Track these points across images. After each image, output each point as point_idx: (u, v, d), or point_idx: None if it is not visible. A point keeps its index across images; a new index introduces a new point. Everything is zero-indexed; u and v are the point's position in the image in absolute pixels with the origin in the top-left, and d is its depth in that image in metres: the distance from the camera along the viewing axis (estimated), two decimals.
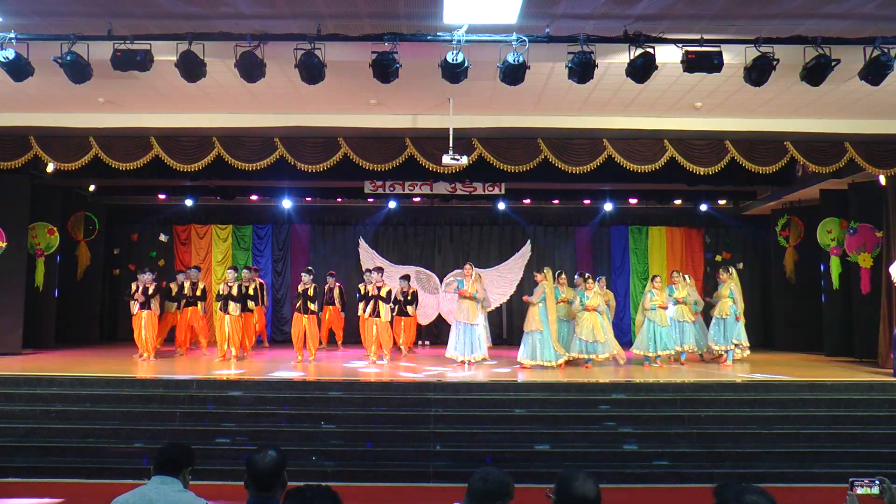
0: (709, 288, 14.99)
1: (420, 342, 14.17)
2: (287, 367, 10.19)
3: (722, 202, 14.80)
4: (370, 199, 14.25)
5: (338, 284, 13.01)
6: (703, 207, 14.70)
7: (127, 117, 9.58)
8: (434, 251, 15.08)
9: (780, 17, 6.47)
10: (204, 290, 12.06)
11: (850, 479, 2.97)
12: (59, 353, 11.46)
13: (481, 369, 10.20)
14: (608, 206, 14.63)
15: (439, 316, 14.46)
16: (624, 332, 13.89)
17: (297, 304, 11.26)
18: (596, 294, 10.63)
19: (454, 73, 6.71)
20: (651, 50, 6.66)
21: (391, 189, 12.46)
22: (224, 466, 6.95)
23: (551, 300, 10.35)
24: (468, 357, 10.47)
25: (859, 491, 2.95)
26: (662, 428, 7.92)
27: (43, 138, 9.86)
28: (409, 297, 12.28)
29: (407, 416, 8.03)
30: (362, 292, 11.56)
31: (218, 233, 15.04)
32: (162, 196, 14.39)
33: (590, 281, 10.77)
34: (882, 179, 10.58)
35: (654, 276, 11.37)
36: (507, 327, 14.76)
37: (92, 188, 13.68)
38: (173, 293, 11.81)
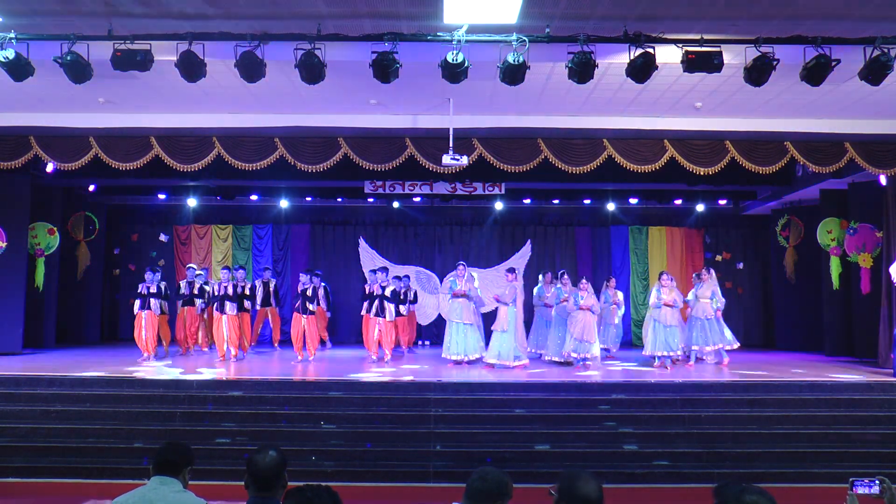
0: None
1: (420, 342, 14.18)
2: (287, 368, 10.20)
3: (722, 202, 14.80)
4: (370, 199, 14.25)
5: (322, 284, 12.96)
6: (703, 207, 14.69)
7: (127, 117, 9.58)
8: (434, 251, 15.08)
9: (780, 17, 6.46)
10: (201, 289, 12.08)
11: (850, 479, 2.98)
12: (59, 353, 11.46)
13: (477, 369, 10.20)
14: (608, 206, 14.63)
15: (439, 316, 14.45)
16: (624, 331, 13.87)
17: (297, 305, 11.27)
18: (590, 295, 10.64)
19: (454, 73, 6.71)
20: (651, 50, 6.66)
21: (391, 189, 12.46)
22: (224, 466, 6.96)
23: (520, 302, 10.47)
24: (463, 356, 10.48)
25: (859, 491, 2.95)
26: (662, 428, 7.93)
27: (43, 138, 9.86)
28: (402, 297, 12.20)
29: (407, 416, 8.04)
30: (366, 292, 11.57)
31: (218, 233, 15.04)
32: (162, 196, 14.38)
33: (583, 281, 10.86)
34: (882, 179, 10.59)
35: (663, 273, 11.11)
36: None
37: (92, 188, 13.68)
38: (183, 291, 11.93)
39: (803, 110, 9.20)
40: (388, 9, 6.35)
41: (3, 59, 6.57)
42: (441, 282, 14.56)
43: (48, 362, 10.29)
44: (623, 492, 6.86)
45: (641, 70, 6.76)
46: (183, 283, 11.86)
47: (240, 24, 6.62)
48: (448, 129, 9.07)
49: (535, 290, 12.41)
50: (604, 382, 9.01)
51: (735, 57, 6.87)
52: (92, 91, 8.02)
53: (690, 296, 11.28)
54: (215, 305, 11.10)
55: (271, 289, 12.61)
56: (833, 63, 6.64)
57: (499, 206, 14.43)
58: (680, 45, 6.66)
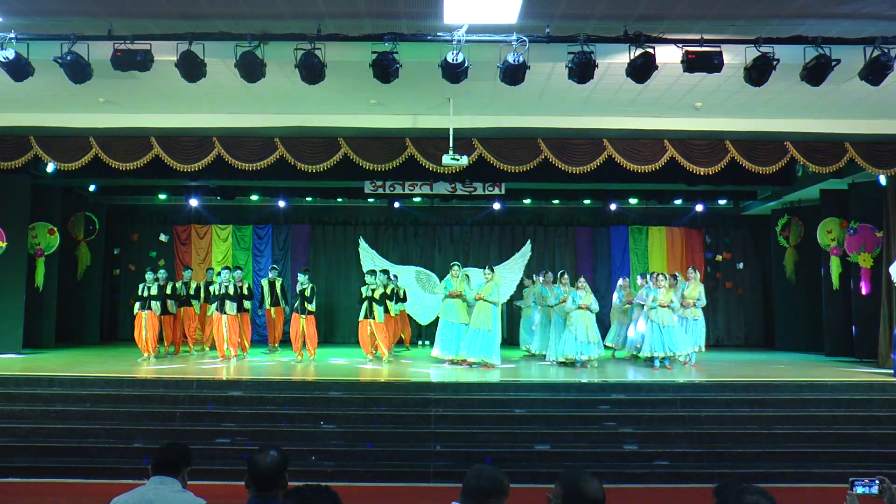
0: (710, 288, 15.05)
1: (420, 342, 14.18)
2: (287, 368, 10.19)
3: (722, 202, 14.81)
4: (370, 199, 14.25)
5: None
6: (703, 207, 14.68)
7: (127, 117, 9.58)
8: (434, 251, 15.08)
9: (780, 17, 6.47)
10: (197, 289, 12.08)
11: (850, 479, 2.97)
12: (59, 353, 11.46)
13: (477, 369, 10.20)
14: (608, 206, 14.62)
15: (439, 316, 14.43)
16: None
17: (295, 305, 11.27)
18: (588, 293, 10.61)
19: (454, 73, 6.71)
20: (651, 50, 6.66)
21: (391, 189, 12.45)
22: (224, 466, 6.95)
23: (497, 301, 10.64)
24: (454, 356, 10.49)
25: (859, 491, 2.94)
26: (662, 428, 7.92)
27: (43, 138, 9.86)
28: (388, 294, 12.14)
29: (407, 416, 8.03)
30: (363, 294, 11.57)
31: (218, 233, 15.04)
32: (162, 196, 14.40)
33: (581, 280, 10.80)
34: (882, 179, 10.59)
35: (658, 274, 10.91)
36: (507, 327, 14.74)
37: (92, 188, 13.68)
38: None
39: (803, 110, 9.20)
40: (388, 9, 6.35)
41: (3, 59, 6.58)
42: (441, 282, 14.56)
43: (48, 362, 10.29)
44: (623, 492, 6.85)
45: (641, 70, 6.77)
46: (179, 284, 11.84)
47: (240, 24, 6.63)
48: (448, 129, 9.08)
49: (536, 290, 12.39)
50: (604, 382, 9.01)
51: (735, 57, 6.87)
52: (92, 91, 8.02)
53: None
54: (215, 305, 11.11)
55: (278, 288, 12.56)
56: (833, 63, 6.64)
57: (498, 206, 14.43)
58: (680, 45, 6.66)
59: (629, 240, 15.19)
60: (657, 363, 10.36)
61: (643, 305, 10.88)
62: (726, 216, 15.19)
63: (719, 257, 15.03)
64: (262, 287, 12.76)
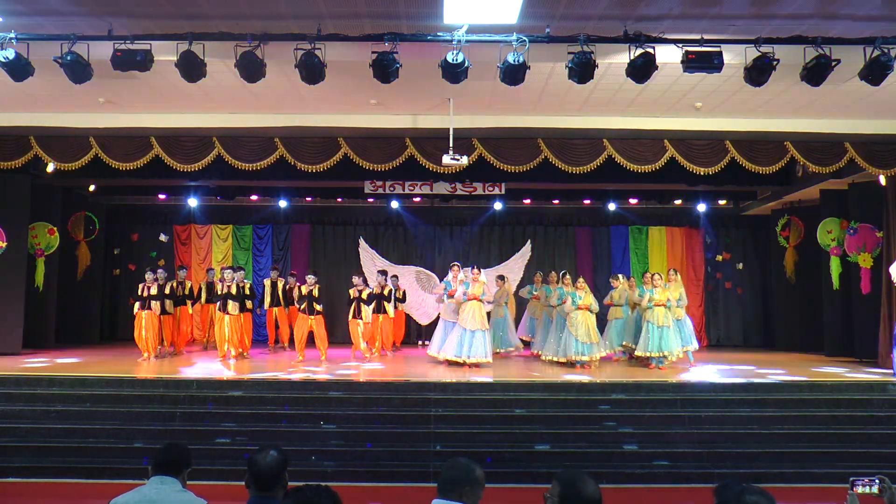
0: (710, 288, 15.05)
1: (420, 342, 14.17)
2: (287, 368, 10.19)
3: (722, 202, 14.79)
4: (370, 199, 14.24)
5: (297, 284, 12.86)
6: (703, 207, 14.68)
7: (127, 117, 9.58)
8: (434, 251, 15.07)
9: (780, 17, 6.47)
10: (191, 289, 12.09)
11: (850, 479, 2.97)
12: (59, 353, 11.45)
13: (472, 370, 10.20)
14: (608, 206, 14.62)
15: (439, 316, 14.42)
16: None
17: (303, 306, 11.27)
18: (588, 294, 10.61)
19: (454, 73, 6.71)
20: (651, 50, 6.66)
21: (391, 189, 12.45)
22: (224, 466, 6.95)
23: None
24: (448, 356, 10.48)
25: (859, 490, 2.95)
26: (662, 428, 7.92)
27: (43, 138, 9.86)
28: (385, 294, 12.17)
29: (407, 416, 8.03)
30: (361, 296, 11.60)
31: (218, 233, 15.04)
32: (162, 196, 14.39)
33: (580, 281, 10.79)
34: (882, 179, 10.58)
35: (654, 274, 10.86)
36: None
37: (92, 188, 13.68)
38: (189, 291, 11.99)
39: (803, 110, 9.21)
40: (388, 9, 6.35)
41: (3, 59, 6.58)
42: (441, 282, 14.55)
43: (48, 362, 10.29)
44: (623, 492, 6.85)
45: (641, 70, 6.77)
46: (175, 284, 11.83)
47: (240, 24, 6.63)
48: (448, 128, 9.08)
49: (538, 290, 12.38)
50: (604, 382, 9.01)
51: (735, 57, 6.87)
52: (92, 91, 8.03)
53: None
54: (218, 305, 11.12)
55: (279, 289, 12.54)
56: (833, 63, 6.64)
57: (499, 206, 14.42)
58: (680, 45, 6.66)
59: (629, 240, 15.18)
60: (653, 362, 10.40)
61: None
62: (726, 216, 15.18)
63: (719, 257, 15.02)
64: (263, 287, 12.78)
